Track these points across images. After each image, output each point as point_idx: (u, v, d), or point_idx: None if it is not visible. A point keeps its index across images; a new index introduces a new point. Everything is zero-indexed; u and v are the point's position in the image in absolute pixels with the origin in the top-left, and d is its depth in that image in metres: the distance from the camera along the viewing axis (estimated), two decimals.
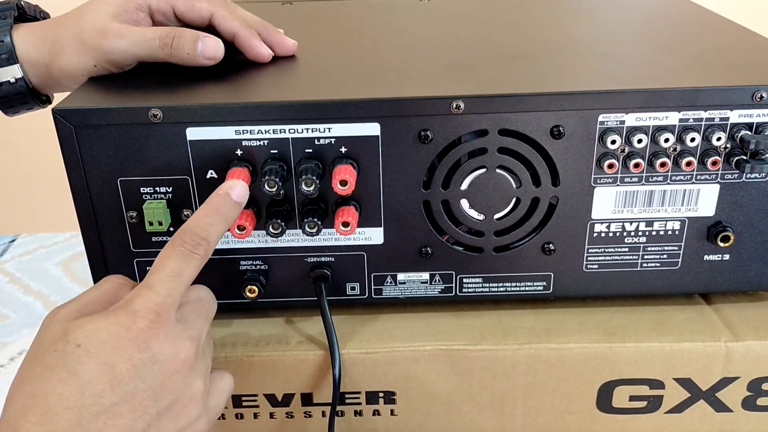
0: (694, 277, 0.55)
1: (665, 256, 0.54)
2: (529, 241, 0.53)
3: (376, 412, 0.55)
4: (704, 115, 0.49)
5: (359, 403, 0.55)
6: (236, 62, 0.57)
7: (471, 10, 0.75)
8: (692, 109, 0.49)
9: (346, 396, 0.54)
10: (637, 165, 0.50)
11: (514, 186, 0.51)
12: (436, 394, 0.54)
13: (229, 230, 0.47)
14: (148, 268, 0.52)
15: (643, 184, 0.51)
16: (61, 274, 1.73)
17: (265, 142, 0.49)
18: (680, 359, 0.52)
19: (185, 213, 0.51)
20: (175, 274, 0.41)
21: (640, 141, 0.49)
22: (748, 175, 0.51)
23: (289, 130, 0.49)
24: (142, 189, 0.50)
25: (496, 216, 0.52)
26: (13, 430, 0.36)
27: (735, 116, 0.49)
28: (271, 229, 0.50)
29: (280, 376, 0.53)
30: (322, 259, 0.54)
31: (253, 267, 0.54)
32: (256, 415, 0.55)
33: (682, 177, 0.51)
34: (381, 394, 0.54)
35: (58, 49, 0.55)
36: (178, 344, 0.40)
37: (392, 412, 0.55)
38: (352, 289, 0.55)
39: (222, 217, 0.45)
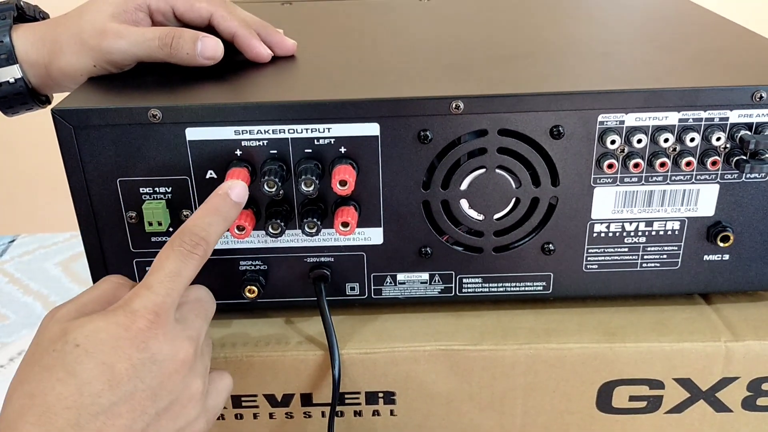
0: (693, 277, 0.55)
1: (665, 256, 0.54)
2: (528, 241, 0.53)
3: (375, 413, 0.55)
4: (704, 115, 0.49)
5: (359, 404, 0.55)
6: (236, 62, 0.57)
7: (470, 10, 0.75)
8: (692, 109, 0.49)
9: (346, 396, 0.54)
10: (636, 165, 0.50)
11: (513, 186, 0.51)
12: (436, 395, 0.54)
13: (228, 230, 0.47)
14: (147, 269, 0.52)
15: (643, 184, 0.51)
16: (60, 275, 1.73)
17: (265, 142, 0.49)
18: (680, 359, 0.52)
19: (185, 213, 0.51)
20: (174, 274, 0.41)
21: (639, 141, 0.49)
22: (748, 175, 0.51)
23: (288, 130, 0.49)
24: (141, 189, 0.50)
25: (496, 216, 0.52)
26: (12, 430, 0.36)
27: (735, 116, 0.49)
28: (270, 229, 0.50)
29: (280, 377, 0.53)
30: (322, 259, 0.54)
31: (253, 267, 0.54)
32: (255, 416, 0.55)
33: (681, 177, 0.51)
34: (380, 395, 0.54)
35: (58, 50, 0.55)
36: (177, 344, 0.40)
37: (392, 413, 0.55)
38: (352, 289, 0.55)
39: (221, 217, 0.45)
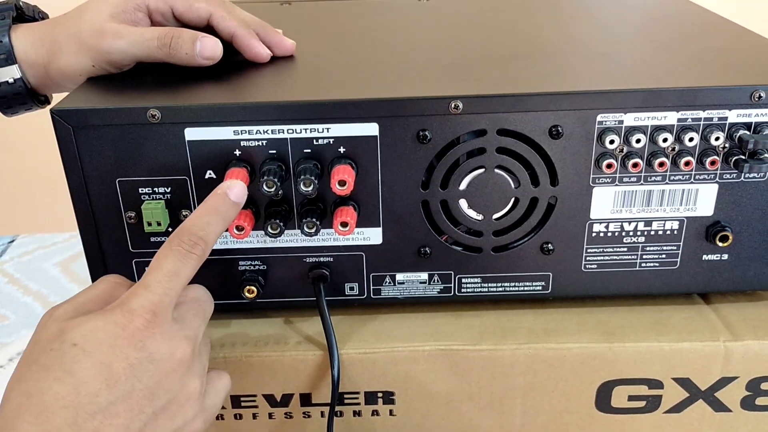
0: (692, 277, 0.55)
1: (664, 256, 0.54)
2: (527, 241, 0.53)
3: (375, 413, 0.55)
4: (703, 114, 0.49)
5: (358, 404, 0.54)
6: (235, 62, 0.57)
7: (470, 10, 0.75)
8: (691, 109, 0.49)
9: (345, 396, 0.54)
10: (635, 165, 0.50)
11: (512, 186, 0.51)
12: (435, 394, 0.54)
13: (227, 230, 0.47)
14: (146, 269, 0.52)
15: (642, 184, 0.51)
16: (59, 275, 1.73)
17: (264, 142, 0.49)
18: (679, 359, 0.52)
19: (184, 213, 0.51)
20: (172, 274, 0.41)
21: (638, 141, 0.49)
22: (747, 175, 0.51)
23: (287, 130, 0.49)
24: (140, 189, 0.50)
25: (495, 216, 0.52)
26: (10, 430, 0.36)
27: (733, 116, 0.49)
28: (269, 229, 0.50)
29: (279, 377, 0.53)
30: (321, 259, 0.53)
31: (252, 267, 0.54)
32: (254, 416, 0.55)
33: (680, 177, 0.51)
34: (380, 395, 0.54)
35: (57, 50, 0.55)
36: (175, 343, 0.40)
37: (391, 413, 0.55)
38: (351, 289, 0.55)
39: (220, 217, 0.45)
